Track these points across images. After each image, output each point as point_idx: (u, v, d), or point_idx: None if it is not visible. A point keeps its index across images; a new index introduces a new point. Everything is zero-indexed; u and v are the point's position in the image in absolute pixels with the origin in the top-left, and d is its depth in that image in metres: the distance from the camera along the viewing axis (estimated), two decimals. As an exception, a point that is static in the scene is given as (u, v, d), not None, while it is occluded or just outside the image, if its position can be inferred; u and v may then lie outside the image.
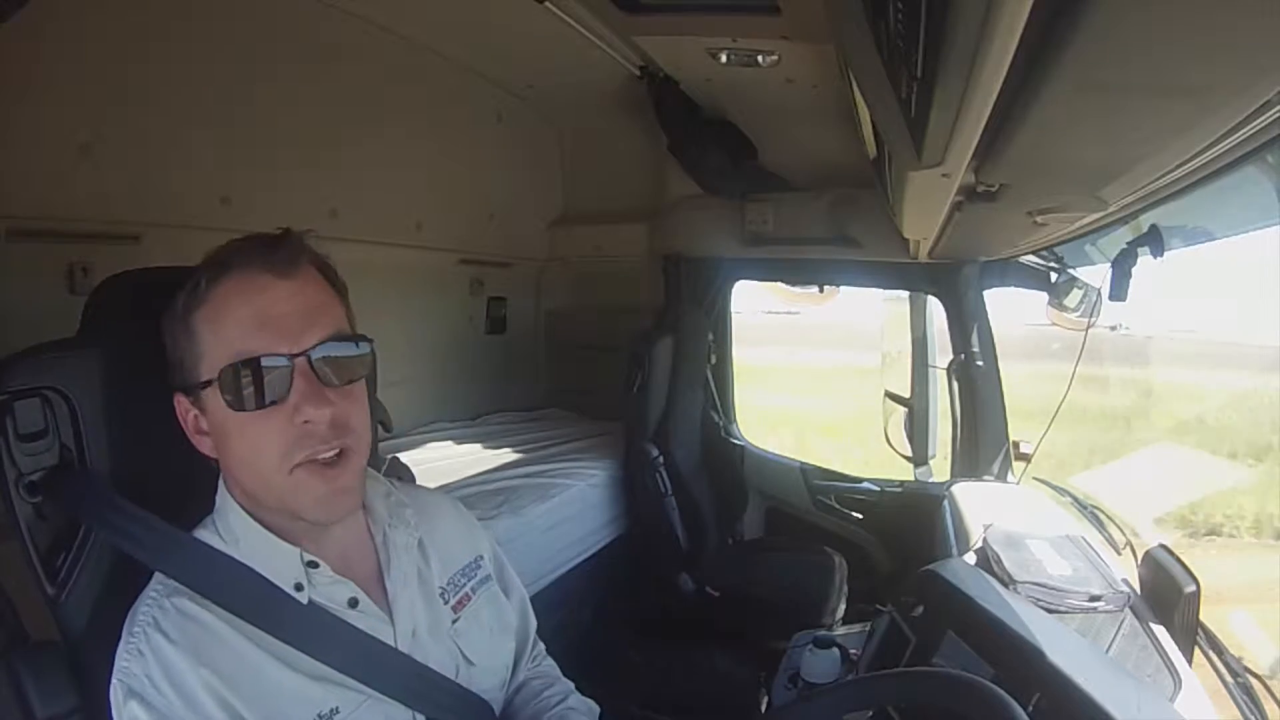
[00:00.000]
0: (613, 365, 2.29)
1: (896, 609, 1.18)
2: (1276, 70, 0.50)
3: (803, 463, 2.53)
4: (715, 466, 2.50)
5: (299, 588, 0.72)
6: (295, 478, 0.69)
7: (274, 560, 0.72)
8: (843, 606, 2.05)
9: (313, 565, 0.73)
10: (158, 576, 0.71)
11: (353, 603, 0.75)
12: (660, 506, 2.19)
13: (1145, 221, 1.33)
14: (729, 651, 1.95)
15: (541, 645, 1.01)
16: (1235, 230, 1.33)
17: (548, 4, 1.63)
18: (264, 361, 0.67)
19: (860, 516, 2.39)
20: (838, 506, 2.43)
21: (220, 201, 1.68)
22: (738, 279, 2.61)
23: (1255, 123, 0.64)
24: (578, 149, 2.78)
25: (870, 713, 0.99)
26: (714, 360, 2.57)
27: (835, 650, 1.22)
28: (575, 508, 2.07)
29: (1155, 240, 1.34)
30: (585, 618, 2.16)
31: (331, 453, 0.69)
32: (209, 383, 0.68)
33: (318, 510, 0.71)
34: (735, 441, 2.62)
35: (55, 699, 0.71)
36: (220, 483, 0.75)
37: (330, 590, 0.74)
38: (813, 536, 2.42)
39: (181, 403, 0.72)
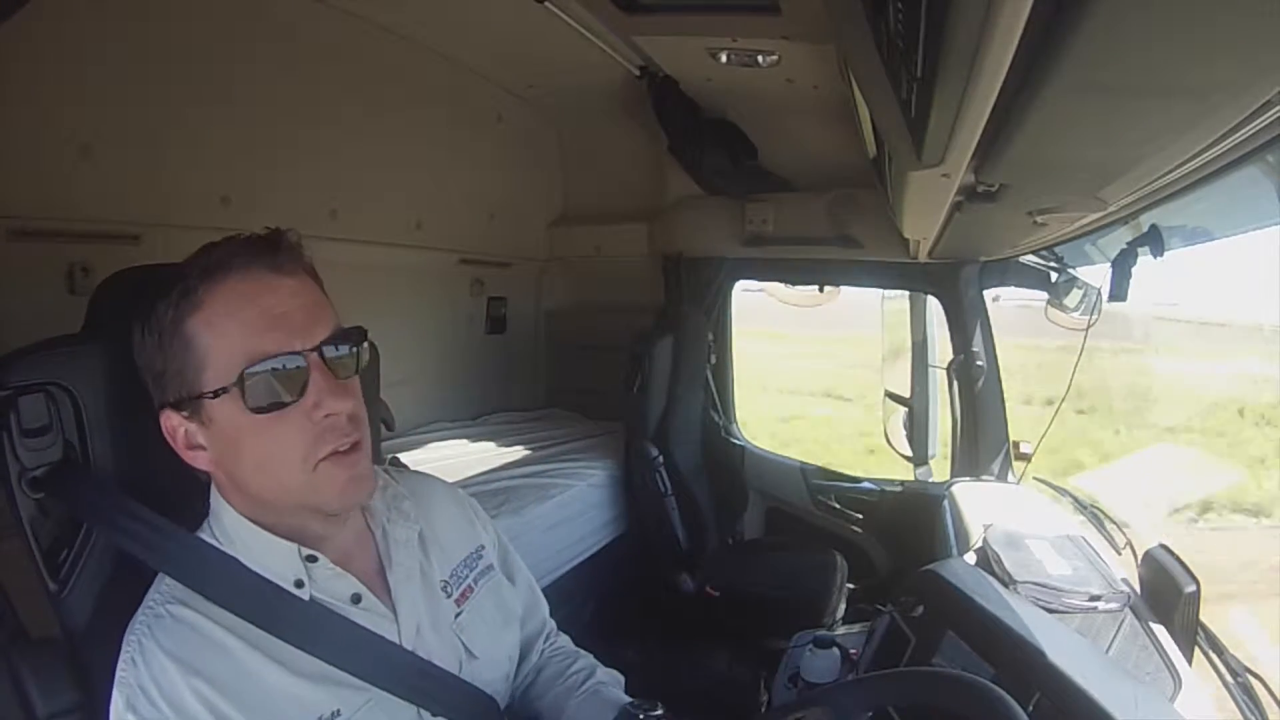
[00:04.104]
0: (613, 365, 2.29)
1: (896, 609, 1.18)
2: (1276, 70, 0.50)
3: (803, 463, 2.53)
4: (715, 466, 2.50)
5: (299, 585, 0.71)
6: (320, 471, 0.68)
7: (272, 559, 0.71)
8: (843, 606, 2.05)
9: (311, 559, 0.73)
10: (157, 584, 0.70)
11: (355, 599, 0.74)
12: (660, 506, 2.18)
13: (1145, 221, 1.33)
14: (729, 651, 1.95)
15: (552, 623, 1.00)
16: (1235, 230, 1.33)
17: (548, 4, 1.63)
18: (281, 361, 0.66)
19: (860, 516, 2.39)
20: (838, 506, 2.43)
21: (220, 201, 1.68)
22: (738, 279, 2.61)
23: (1255, 123, 0.64)
24: (578, 149, 2.78)
25: (869, 713, 0.99)
26: (714, 360, 2.57)
27: (835, 650, 1.22)
28: (575, 508, 2.07)
29: (1155, 240, 1.34)
30: (585, 618, 2.16)
31: (351, 442, 0.70)
32: (221, 390, 0.66)
33: (341, 499, 0.71)
34: (735, 441, 2.62)
35: (56, 695, 0.71)
36: (212, 490, 0.74)
37: (331, 585, 0.73)
38: (813, 536, 2.42)
39: (171, 419, 0.69)
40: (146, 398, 0.73)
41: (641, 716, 0.76)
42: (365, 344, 0.74)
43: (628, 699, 0.87)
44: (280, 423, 0.67)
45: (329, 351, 0.69)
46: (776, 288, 2.75)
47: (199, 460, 0.70)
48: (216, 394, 0.66)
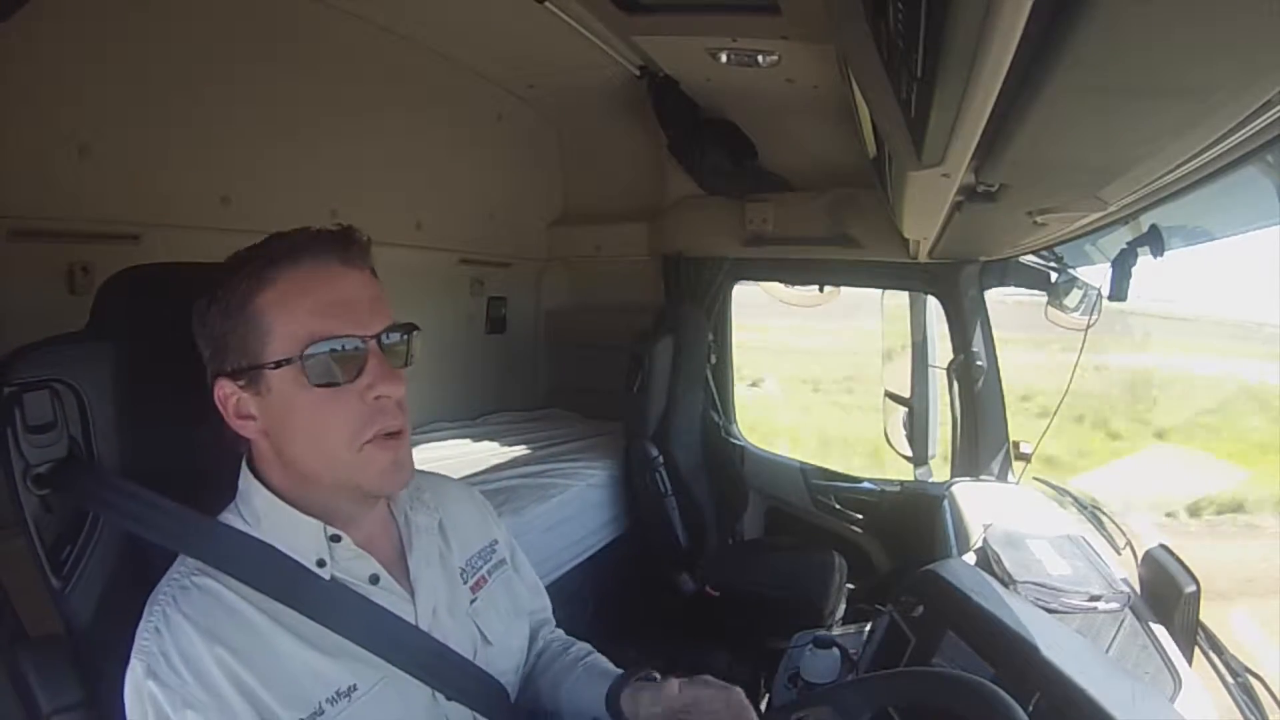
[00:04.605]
0: (613, 365, 2.29)
1: (896, 609, 1.18)
2: (1276, 70, 0.50)
3: (802, 463, 2.53)
4: (715, 466, 2.50)
5: (321, 564, 0.74)
6: (365, 453, 0.72)
7: (296, 537, 0.73)
8: (843, 606, 2.05)
9: (335, 539, 0.75)
10: (180, 561, 0.72)
11: (374, 579, 0.77)
12: (660, 506, 2.19)
13: (1145, 221, 1.33)
14: (729, 651, 1.95)
15: (553, 618, 1.04)
16: (1235, 230, 1.33)
17: (548, 4, 1.63)
18: (344, 343, 0.70)
19: (860, 516, 2.39)
20: (838, 506, 2.43)
21: (220, 201, 1.67)
22: (738, 279, 2.61)
23: (1255, 123, 0.64)
24: (578, 149, 2.78)
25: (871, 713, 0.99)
26: (714, 360, 2.57)
27: (835, 650, 1.22)
28: (575, 508, 2.07)
29: (1155, 240, 1.34)
30: (585, 618, 2.16)
31: (398, 426, 0.74)
32: (283, 362, 0.69)
33: (383, 481, 0.74)
34: (735, 441, 2.62)
35: (61, 692, 0.71)
36: (244, 468, 0.76)
37: (352, 565, 0.76)
38: (813, 536, 2.42)
39: (225, 387, 0.72)
40: (151, 395, 0.74)
41: (638, 677, 0.78)
42: (415, 337, 0.77)
43: (621, 671, 0.90)
44: (335, 400, 0.70)
45: (387, 340, 0.73)
46: (776, 287, 2.76)
47: (247, 429, 0.73)
48: (279, 364, 0.69)
